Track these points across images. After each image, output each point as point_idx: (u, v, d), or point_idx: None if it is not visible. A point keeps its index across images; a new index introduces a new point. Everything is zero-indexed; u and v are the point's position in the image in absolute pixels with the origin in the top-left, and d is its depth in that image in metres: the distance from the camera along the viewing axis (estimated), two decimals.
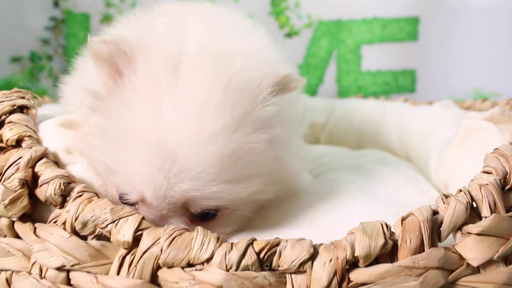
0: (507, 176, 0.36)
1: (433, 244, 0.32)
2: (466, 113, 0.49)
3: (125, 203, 0.41)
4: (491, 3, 1.08)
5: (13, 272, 0.35)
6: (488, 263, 0.33)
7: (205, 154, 0.38)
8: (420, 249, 0.32)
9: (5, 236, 0.36)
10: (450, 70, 1.12)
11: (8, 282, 0.36)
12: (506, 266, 0.33)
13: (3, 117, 0.41)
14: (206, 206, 0.40)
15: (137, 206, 0.41)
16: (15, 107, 0.42)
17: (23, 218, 0.36)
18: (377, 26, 1.12)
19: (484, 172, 0.37)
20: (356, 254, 0.31)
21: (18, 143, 0.40)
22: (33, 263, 0.34)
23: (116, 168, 0.39)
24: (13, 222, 0.36)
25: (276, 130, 0.43)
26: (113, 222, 0.33)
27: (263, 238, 0.33)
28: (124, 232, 0.32)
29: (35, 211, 0.37)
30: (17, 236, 0.36)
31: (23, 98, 0.44)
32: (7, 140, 0.39)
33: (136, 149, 0.38)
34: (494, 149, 0.38)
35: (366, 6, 1.13)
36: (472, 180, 0.36)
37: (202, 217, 0.42)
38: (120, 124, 0.40)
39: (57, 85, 0.52)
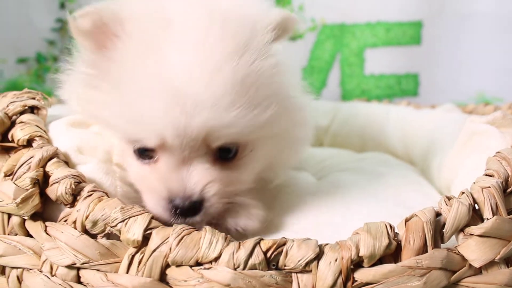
0: (509, 179, 0.36)
1: (436, 245, 0.33)
2: (468, 117, 0.50)
3: (144, 157, 0.42)
4: (492, 8, 1.08)
5: (24, 269, 0.36)
6: (490, 264, 0.33)
7: (216, 83, 0.39)
8: (423, 249, 0.33)
9: (16, 234, 0.37)
10: (453, 74, 1.13)
11: (19, 279, 0.36)
12: (508, 267, 0.34)
13: (14, 117, 0.42)
14: (226, 139, 0.41)
15: (157, 158, 0.42)
16: (26, 107, 0.43)
17: (34, 217, 0.37)
18: (380, 30, 1.13)
19: (486, 175, 0.37)
20: (360, 254, 0.32)
21: (29, 143, 0.40)
22: (44, 261, 0.35)
23: (131, 118, 0.40)
24: (24, 220, 0.37)
25: (279, 56, 0.45)
26: (123, 221, 0.33)
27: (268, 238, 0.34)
28: (133, 230, 0.33)
29: (45, 210, 0.38)
30: (28, 234, 0.37)
31: (33, 98, 0.44)
32: (18, 140, 0.40)
33: (149, 94, 0.39)
34: (496, 152, 0.39)
35: (370, 10, 1.13)
36: (474, 183, 0.37)
37: (223, 156, 0.43)
38: (127, 78, 0.40)
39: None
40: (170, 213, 0.40)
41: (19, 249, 0.36)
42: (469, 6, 1.09)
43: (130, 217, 0.33)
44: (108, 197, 0.36)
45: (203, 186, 0.41)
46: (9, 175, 0.38)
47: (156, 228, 0.33)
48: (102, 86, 0.42)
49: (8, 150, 0.41)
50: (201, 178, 0.41)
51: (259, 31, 0.43)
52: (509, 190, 0.36)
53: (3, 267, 0.37)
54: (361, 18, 1.13)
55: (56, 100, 0.69)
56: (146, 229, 0.33)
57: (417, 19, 1.12)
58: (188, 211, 0.40)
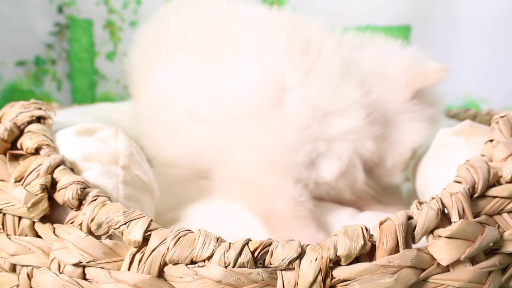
0: (475, 185, 0.40)
1: (407, 246, 0.37)
2: (439, 130, 0.54)
3: None
4: (480, 13, 1.12)
5: (33, 267, 0.40)
6: (456, 262, 0.37)
7: None
8: (395, 249, 0.36)
9: (26, 235, 0.41)
10: None
11: (29, 276, 0.40)
12: (472, 265, 0.38)
13: (22, 126, 0.46)
14: None
15: None
16: (34, 117, 0.46)
17: (43, 219, 0.40)
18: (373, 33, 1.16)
19: (456, 181, 0.41)
20: (338, 254, 0.35)
21: (36, 151, 0.44)
22: (52, 259, 0.39)
23: None
24: (34, 222, 0.40)
25: None
26: (125, 223, 0.37)
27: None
28: (135, 232, 0.36)
29: (52, 212, 0.41)
30: (37, 235, 0.40)
31: (40, 109, 0.48)
32: (27, 148, 0.43)
33: None
34: (466, 161, 0.43)
35: (359, 14, 1.17)
36: (444, 189, 0.40)
37: None
38: None
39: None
40: None
41: (29, 248, 0.40)
42: (457, 10, 1.13)
43: (131, 220, 0.37)
44: (111, 201, 0.40)
45: None
46: (19, 181, 0.42)
47: (155, 230, 0.37)
48: None
49: (17, 157, 0.44)
50: None
51: None
52: (475, 195, 0.40)
53: (14, 265, 0.41)
54: (350, 22, 1.16)
55: (57, 105, 0.73)
56: (146, 231, 0.37)
57: (405, 23, 1.15)
58: None
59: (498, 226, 0.40)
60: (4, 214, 0.41)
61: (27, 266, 0.40)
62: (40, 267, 0.39)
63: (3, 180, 0.43)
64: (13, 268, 0.41)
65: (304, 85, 0.55)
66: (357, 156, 0.56)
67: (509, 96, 1.15)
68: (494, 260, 0.39)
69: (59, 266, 0.38)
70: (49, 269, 0.39)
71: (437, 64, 0.57)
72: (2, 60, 1.09)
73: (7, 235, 0.41)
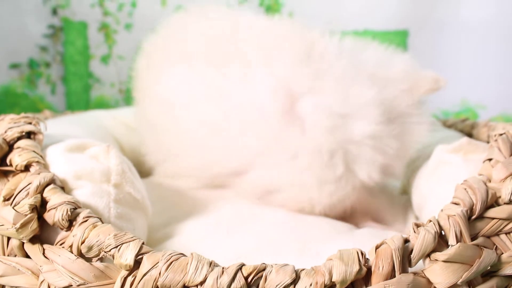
0: (473, 207, 0.39)
1: (403, 270, 0.36)
2: (437, 146, 0.53)
3: None
4: (478, 17, 1.11)
5: None
6: (453, 287, 0.37)
7: None
8: (391, 274, 0.36)
9: (15, 256, 0.40)
10: None
11: None
12: None
13: (11, 142, 0.45)
14: None
15: None
16: (23, 133, 0.45)
17: (33, 240, 0.39)
18: (367, 38, 1.16)
19: (453, 203, 0.40)
20: (333, 279, 0.35)
21: (26, 168, 0.43)
22: (42, 281, 0.38)
23: None
24: (23, 243, 0.39)
25: None
26: (116, 247, 0.36)
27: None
28: (126, 256, 0.36)
29: (42, 232, 0.40)
30: (26, 256, 0.39)
31: (30, 123, 0.47)
32: (17, 165, 0.42)
33: None
34: (464, 181, 0.42)
35: (357, 19, 1.16)
36: (442, 210, 0.40)
37: None
38: None
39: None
40: None
41: (18, 269, 0.39)
42: (455, 15, 1.12)
43: (122, 243, 0.36)
44: (102, 221, 0.39)
45: None
46: (8, 199, 0.41)
47: (147, 253, 0.36)
48: None
49: (6, 174, 0.43)
50: None
51: None
52: (473, 217, 0.39)
53: (3, 286, 0.40)
54: (348, 26, 1.16)
55: (50, 113, 0.72)
56: (137, 254, 0.36)
57: (403, 28, 1.15)
58: None
59: (496, 248, 0.39)
60: None
61: (16, 287, 0.39)
62: None
63: None
64: None
65: (315, 91, 0.56)
66: (382, 156, 0.57)
67: (506, 102, 1.15)
68: (491, 283, 0.38)
69: None
70: None
71: (435, 74, 0.59)
72: None
73: None
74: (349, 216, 0.60)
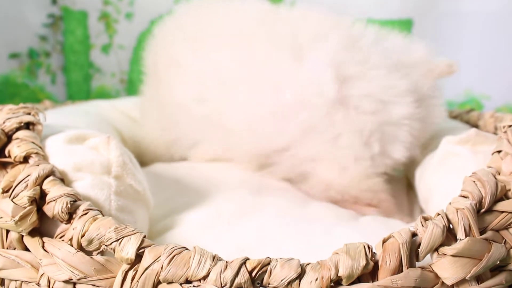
0: (483, 200, 0.39)
1: (411, 265, 0.35)
2: (444, 137, 0.53)
3: None
4: (482, 8, 1.10)
5: (22, 282, 0.38)
6: (462, 282, 0.36)
7: None
8: (399, 269, 0.35)
9: (15, 249, 0.39)
10: None
11: None
12: (478, 284, 0.36)
13: (10, 133, 0.44)
14: None
15: None
16: (22, 124, 0.44)
17: (32, 232, 0.39)
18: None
19: (462, 196, 0.39)
20: (339, 274, 0.34)
21: (25, 159, 0.42)
22: (42, 275, 0.37)
23: None
24: (22, 236, 0.39)
25: None
26: (117, 240, 0.35)
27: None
28: (127, 249, 0.35)
29: (42, 224, 0.39)
30: (26, 249, 0.39)
31: (29, 114, 0.46)
32: (15, 156, 0.42)
33: None
34: (472, 173, 0.41)
35: (360, 8, 1.15)
36: (450, 203, 0.39)
37: None
38: None
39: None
40: None
41: (18, 263, 0.38)
42: (460, 5, 1.11)
43: (123, 237, 0.35)
44: (103, 214, 0.38)
45: None
46: (6, 191, 0.40)
47: (148, 247, 0.35)
48: None
49: (5, 165, 0.43)
50: None
51: None
52: (482, 210, 0.38)
53: (3, 280, 0.39)
54: (351, 15, 1.15)
55: (50, 103, 0.71)
56: (139, 248, 0.35)
57: (407, 17, 1.13)
58: None
59: (505, 242, 0.38)
60: None
61: (15, 280, 0.38)
62: (29, 282, 0.38)
63: None
64: (2, 282, 0.39)
65: (360, 76, 0.61)
66: (412, 137, 0.62)
67: (510, 93, 1.14)
68: (500, 278, 0.37)
69: (49, 282, 0.37)
70: (38, 285, 0.37)
71: (448, 59, 0.66)
72: None
73: None
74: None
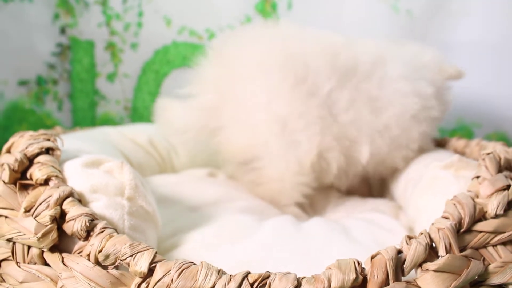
0: (462, 221, 0.43)
1: (397, 279, 0.39)
2: (431, 164, 0.57)
3: None
4: (473, 38, 1.14)
5: None
6: None
7: None
8: (385, 283, 0.39)
9: (35, 263, 0.43)
10: None
11: None
12: None
13: (32, 157, 0.48)
14: None
15: None
16: (43, 149, 0.48)
17: (52, 249, 0.42)
18: None
19: (443, 217, 0.43)
20: (332, 286, 0.37)
21: (46, 182, 0.46)
22: (61, 287, 0.41)
23: None
24: (43, 251, 0.42)
25: None
26: (132, 255, 0.39)
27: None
28: (140, 264, 0.39)
29: (61, 242, 0.43)
30: (45, 263, 0.42)
31: (49, 140, 0.50)
32: (37, 179, 0.45)
33: None
34: (453, 196, 0.45)
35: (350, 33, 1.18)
36: (432, 224, 0.43)
37: None
38: None
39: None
40: None
41: (38, 276, 0.42)
42: (451, 35, 1.15)
43: (138, 252, 0.39)
44: (117, 232, 0.42)
45: None
46: (28, 211, 0.44)
47: (160, 261, 0.39)
48: None
49: (26, 187, 0.46)
50: None
51: None
52: (462, 230, 0.43)
53: None
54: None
55: (61, 129, 0.75)
56: (151, 263, 0.39)
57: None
58: None
59: (484, 259, 0.42)
60: (14, 243, 0.43)
61: None
62: None
63: (12, 209, 0.45)
64: None
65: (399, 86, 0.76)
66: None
67: (501, 121, 1.18)
68: None
69: None
70: None
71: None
72: (4, 79, 1.11)
73: (17, 262, 0.43)
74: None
